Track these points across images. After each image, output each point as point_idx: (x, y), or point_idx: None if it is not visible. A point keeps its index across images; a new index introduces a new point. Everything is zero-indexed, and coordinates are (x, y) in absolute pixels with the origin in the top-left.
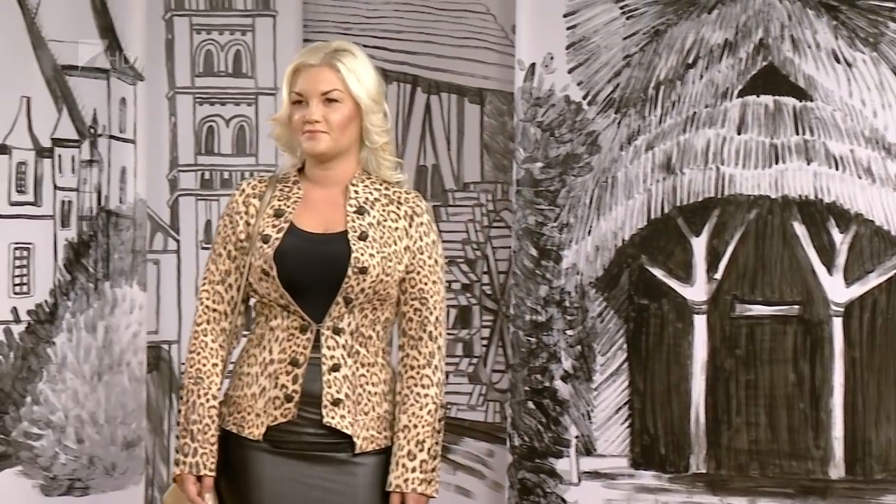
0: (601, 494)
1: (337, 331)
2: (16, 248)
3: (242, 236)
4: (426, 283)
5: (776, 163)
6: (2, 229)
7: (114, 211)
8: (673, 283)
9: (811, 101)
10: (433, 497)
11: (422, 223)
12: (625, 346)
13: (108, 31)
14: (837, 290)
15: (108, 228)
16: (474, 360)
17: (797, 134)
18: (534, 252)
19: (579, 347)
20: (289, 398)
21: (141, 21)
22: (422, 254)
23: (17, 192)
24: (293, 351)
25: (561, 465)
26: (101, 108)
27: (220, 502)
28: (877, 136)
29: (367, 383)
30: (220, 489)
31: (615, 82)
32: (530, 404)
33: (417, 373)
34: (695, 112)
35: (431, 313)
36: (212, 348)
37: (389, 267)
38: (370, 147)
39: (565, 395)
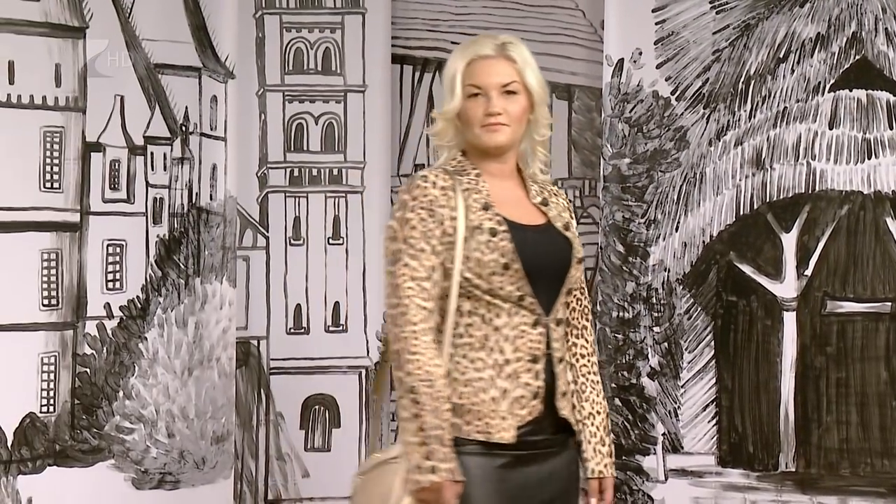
0: (688, 492)
1: (558, 322)
2: (109, 245)
3: (450, 230)
4: (582, 272)
5: (868, 158)
6: (95, 226)
7: (204, 208)
8: (762, 280)
9: None
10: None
11: (574, 214)
12: (712, 343)
13: (199, 29)
14: None
15: (198, 225)
16: None
17: (890, 129)
18: (621, 248)
19: (666, 344)
20: (535, 395)
21: (232, 19)
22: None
23: (111, 189)
24: (529, 348)
25: (648, 462)
26: (193, 106)
27: None
28: None
29: (569, 373)
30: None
31: (704, 77)
32: (617, 401)
33: (588, 360)
34: (785, 107)
35: (587, 299)
36: (433, 348)
37: (578, 257)
38: (536, 139)
39: (652, 392)
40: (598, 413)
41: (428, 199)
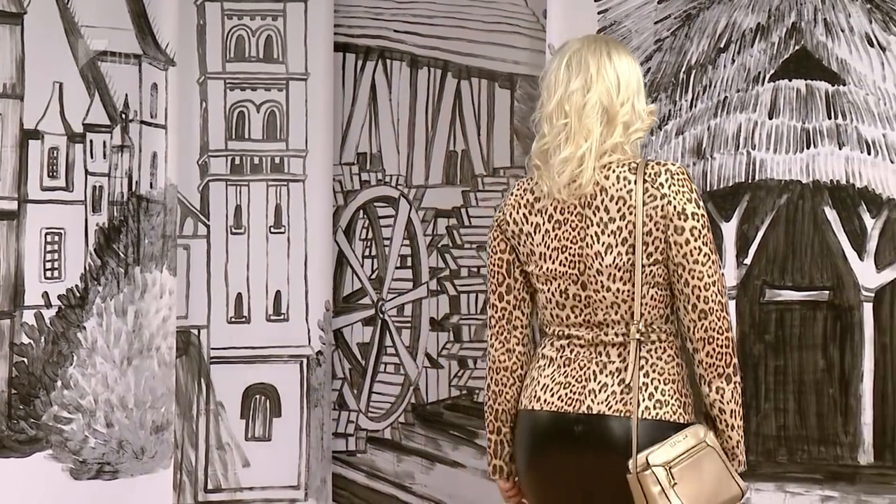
0: None
1: None
2: (47, 234)
3: None
4: None
5: (807, 147)
6: (33, 214)
7: (144, 196)
8: None
9: (844, 85)
10: None
11: None
12: None
13: (140, 16)
14: (868, 275)
15: (138, 213)
16: None
17: (829, 118)
18: None
19: None
20: None
21: (173, 6)
22: None
23: (49, 177)
24: None
25: None
26: (133, 94)
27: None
28: None
29: None
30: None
31: (646, 67)
32: None
33: None
34: (726, 96)
35: None
36: None
37: None
38: None
39: None
40: None
41: None
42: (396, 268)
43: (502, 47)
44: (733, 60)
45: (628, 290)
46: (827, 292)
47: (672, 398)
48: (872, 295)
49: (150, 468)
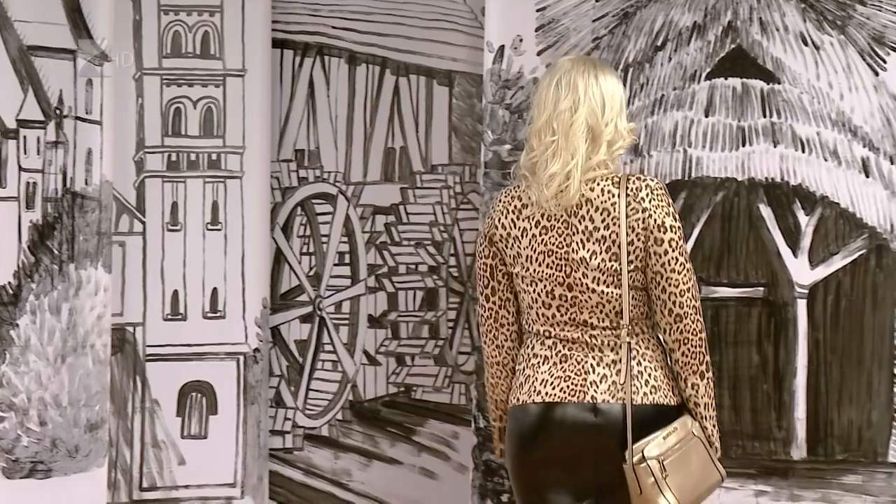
0: None
1: None
2: None
3: None
4: None
5: (743, 145)
6: None
7: (79, 192)
8: None
9: (778, 83)
10: None
11: None
12: None
13: (74, 10)
14: (802, 272)
15: (73, 210)
16: (440, 343)
17: (764, 116)
18: None
19: None
20: None
21: (108, 1)
22: None
23: None
24: None
25: None
26: (67, 89)
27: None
28: (843, 118)
29: None
30: None
31: None
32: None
33: None
34: (663, 94)
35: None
36: None
37: None
38: None
39: None
40: None
41: None
42: (334, 265)
43: (441, 44)
44: (670, 59)
45: (612, 293)
46: (762, 289)
47: (663, 383)
48: (806, 292)
49: (84, 466)
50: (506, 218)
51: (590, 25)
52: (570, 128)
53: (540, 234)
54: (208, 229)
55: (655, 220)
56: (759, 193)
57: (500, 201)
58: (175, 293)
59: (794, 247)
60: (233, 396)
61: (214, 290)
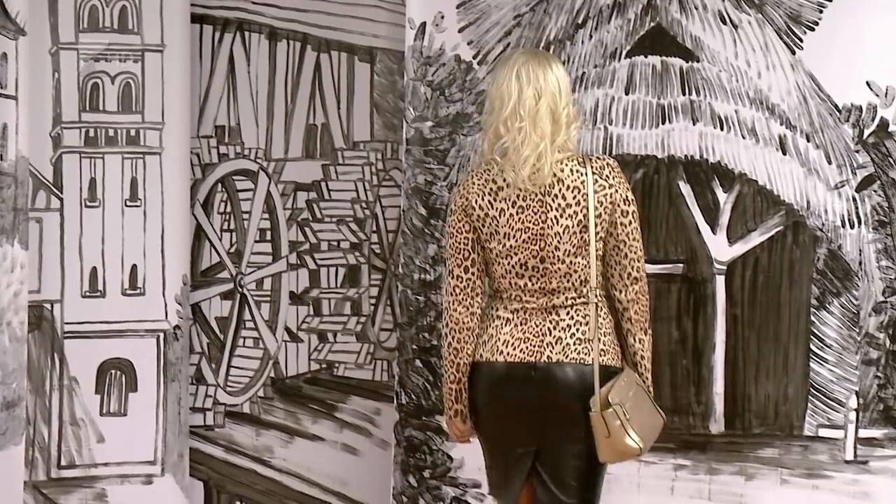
0: None
1: None
2: None
3: None
4: None
5: (663, 123)
6: None
7: None
8: None
9: (697, 61)
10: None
11: None
12: None
13: None
14: (721, 248)
15: None
16: (362, 319)
17: (683, 94)
18: (423, 211)
19: None
20: None
21: None
22: None
23: None
24: None
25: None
26: None
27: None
28: (761, 96)
29: None
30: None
31: (505, 42)
32: (418, 363)
33: None
34: (584, 72)
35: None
36: None
37: None
38: None
39: None
40: None
41: None
42: (255, 241)
43: (362, 21)
44: (591, 36)
45: (579, 262)
46: (681, 265)
47: (612, 347)
48: (724, 268)
49: (1, 445)
50: (482, 199)
51: (511, 3)
52: (537, 114)
53: (517, 214)
54: (127, 206)
55: (621, 195)
56: (679, 171)
57: (473, 183)
58: (94, 270)
59: (712, 224)
60: (153, 374)
61: (134, 266)
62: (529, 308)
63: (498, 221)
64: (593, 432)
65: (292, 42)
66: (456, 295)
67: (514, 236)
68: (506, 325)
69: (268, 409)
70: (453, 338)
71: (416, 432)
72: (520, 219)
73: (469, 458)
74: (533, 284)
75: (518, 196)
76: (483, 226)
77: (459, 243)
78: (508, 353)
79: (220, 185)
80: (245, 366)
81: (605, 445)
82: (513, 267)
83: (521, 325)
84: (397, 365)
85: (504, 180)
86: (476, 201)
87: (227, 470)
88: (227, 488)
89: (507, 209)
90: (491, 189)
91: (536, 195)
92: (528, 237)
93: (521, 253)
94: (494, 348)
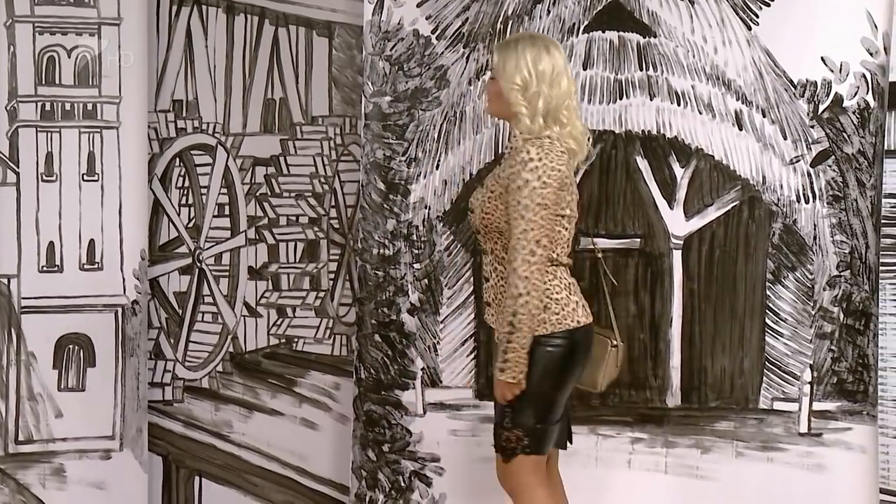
0: (446, 425)
1: (485, 253)
2: None
3: None
4: (511, 217)
5: (620, 98)
6: None
7: None
8: None
9: (654, 37)
10: (507, 381)
11: (514, 171)
12: (471, 279)
13: None
14: (677, 223)
15: None
16: (321, 294)
17: (641, 70)
18: (381, 186)
19: (426, 281)
20: (488, 304)
21: None
22: (510, 194)
23: None
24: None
25: (406, 397)
26: None
27: None
28: (717, 72)
29: (503, 291)
30: None
31: (464, 17)
32: (377, 337)
33: (505, 288)
34: None
35: (510, 241)
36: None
37: (489, 206)
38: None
39: (412, 328)
40: (498, 329)
41: None
42: (214, 216)
43: None
44: (549, 11)
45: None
46: (638, 240)
47: None
48: (681, 243)
49: None
50: (567, 168)
51: None
52: (574, 94)
53: (572, 183)
54: (84, 180)
55: None
56: (636, 146)
57: (557, 155)
58: (51, 245)
59: (669, 198)
60: (111, 349)
61: (91, 241)
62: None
63: (571, 189)
64: (604, 364)
65: (250, 16)
66: (541, 266)
67: (573, 204)
68: (576, 289)
69: (226, 384)
70: (534, 305)
71: (375, 407)
72: (574, 189)
73: (428, 432)
74: (570, 249)
75: (568, 167)
76: (567, 193)
77: (552, 215)
78: (589, 315)
79: (177, 159)
80: (204, 341)
81: (608, 375)
82: (570, 233)
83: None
84: (356, 340)
85: (563, 152)
86: (566, 172)
87: (186, 445)
88: (185, 463)
89: (572, 177)
90: (565, 159)
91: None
92: (576, 204)
93: (574, 220)
94: (584, 311)
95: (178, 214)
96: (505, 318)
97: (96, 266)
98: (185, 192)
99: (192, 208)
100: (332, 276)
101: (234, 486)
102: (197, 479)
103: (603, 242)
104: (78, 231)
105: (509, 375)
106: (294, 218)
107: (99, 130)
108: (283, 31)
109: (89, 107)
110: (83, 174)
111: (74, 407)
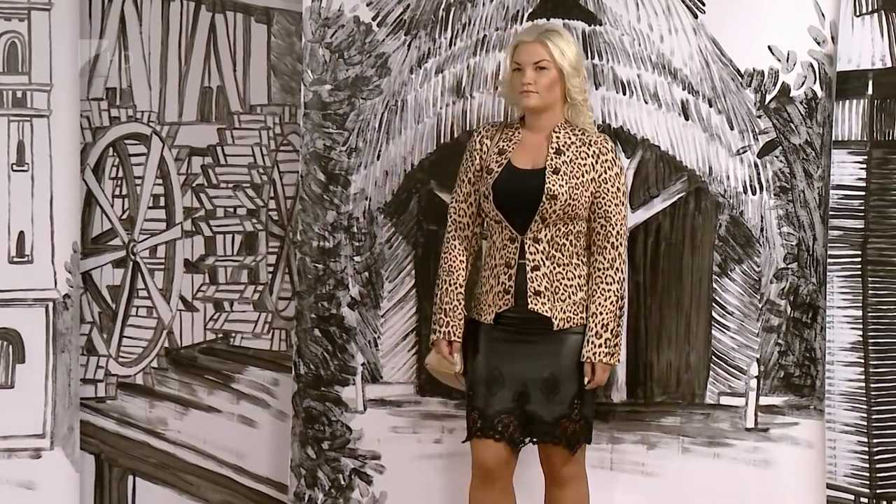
0: (387, 422)
1: (537, 240)
2: None
3: (477, 167)
4: (609, 205)
5: None
6: None
7: None
8: None
9: (600, 24)
10: (616, 364)
11: (606, 159)
12: (413, 272)
13: None
14: None
15: None
16: (260, 288)
17: (586, 58)
18: (321, 177)
19: (367, 274)
20: (507, 292)
21: None
22: (606, 183)
23: None
24: (507, 257)
25: (347, 393)
26: None
27: (464, 363)
28: (663, 61)
29: (563, 278)
30: (465, 356)
31: (405, 3)
32: (316, 332)
33: (603, 273)
34: (485, 35)
35: (613, 227)
36: (458, 249)
37: (576, 193)
38: (571, 103)
39: (352, 323)
40: (600, 313)
41: (472, 144)
42: (149, 207)
43: None
44: None
45: None
46: None
47: None
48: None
49: None
50: None
51: None
52: None
53: None
54: (14, 170)
55: None
56: None
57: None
58: None
59: None
60: (41, 344)
61: (21, 233)
62: None
63: None
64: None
65: (186, 2)
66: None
67: None
68: None
69: (162, 380)
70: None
71: (315, 403)
72: None
73: (368, 429)
74: None
75: None
76: None
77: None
78: None
79: (111, 149)
80: (138, 336)
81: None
82: None
83: None
84: (295, 334)
85: None
86: None
87: (120, 443)
88: (119, 462)
89: None
90: None
91: None
92: None
93: None
94: None
95: (112, 206)
96: (613, 303)
97: (26, 259)
98: (119, 182)
99: (126, 199)
100: (270, 269)
101: (169, 486)
102: (131, 478)
103: None
104: (7, 223)
105: (617, 358)
106: (232, 209)
107: (29, 119)
108: (221, 17)
109: (19, 94)
110: (12, 164)
111: (3, 404)
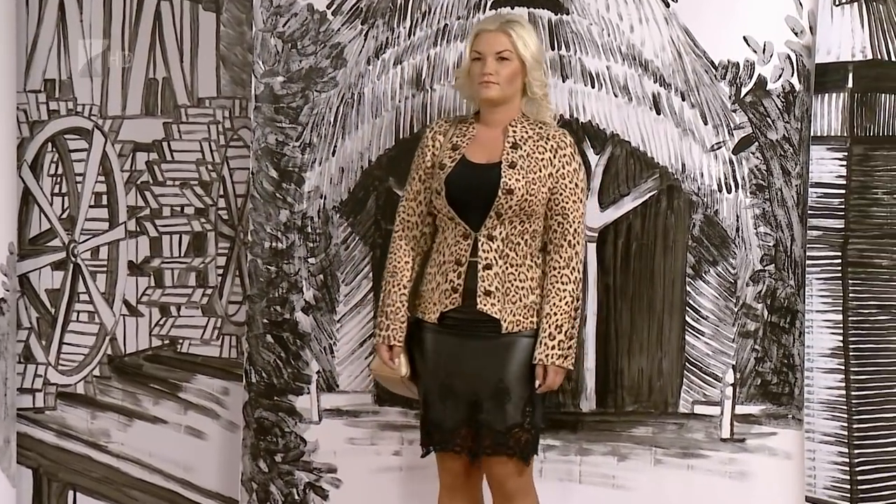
0: (343, 433)
1: (491, 238)
2: None
3: (429, 164)
4: (567, 202)
5: None
6: None
7: None
8: None
9: (567, 14)
10: (570, 369)
11: (565, 154)
12: (371, 274)
13: None
14: (592, 214)
15: None
16: (209, 291)
17: (552, 49)
18: (274, 174)
19: (322, 276)
20: (454, 290)
21: None
22: (564, 178)
23: None
24: (458, 254)
25: (301, 402)
26: None
27: (411, 366)
28: (633, 52)
29: (515, 279)
30: (411, 359)
31: None
32: (269, 338)
33: (559, 272)
34: (446, 24)
35: (571, 225)
36: (405, 250)
37: (533, 188)
38: (530, 97)
39: (306, 328)
40: (554, 314)
41: (423, 140)
42: (90, 206)
43: None
44: None
45: None
46: None
47: None
48: (596, 235)
49: None
50: None
51: None
52: None
53: None
54: None
55: None
56: None
57: None
58: None
59: None
60: None
61: None
62: None
63: None
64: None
65: None
66: None
67: None
68: None
69: (104, 390)
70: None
71: (267, 413)
72: None
73: (323, 440)
74: None
75: None
76: None
77: None
78: None
79: (50, 144)
80: (79, 342)
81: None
82: None
83: None
84: (246, 340)
85: None
86: None
87: (59, 456)
88: (58, 476)
89: None
90: None
91: None
92: None
93: None
94: None
95: (51, 204)
96: (568, 304)
97: None
98: (59, 179)
99: (66, 198)
100: (220, 271)
101: (112, 502)
102: (71, 493)
103: None
104: None
105: (570, 362)
106: (179, 208)
107: None
108: (167, 4)
109: None
110: None
111: None
